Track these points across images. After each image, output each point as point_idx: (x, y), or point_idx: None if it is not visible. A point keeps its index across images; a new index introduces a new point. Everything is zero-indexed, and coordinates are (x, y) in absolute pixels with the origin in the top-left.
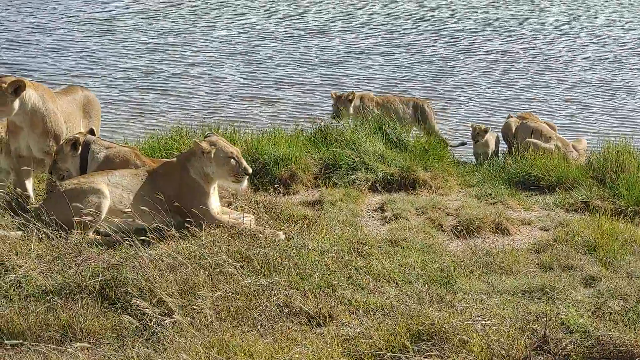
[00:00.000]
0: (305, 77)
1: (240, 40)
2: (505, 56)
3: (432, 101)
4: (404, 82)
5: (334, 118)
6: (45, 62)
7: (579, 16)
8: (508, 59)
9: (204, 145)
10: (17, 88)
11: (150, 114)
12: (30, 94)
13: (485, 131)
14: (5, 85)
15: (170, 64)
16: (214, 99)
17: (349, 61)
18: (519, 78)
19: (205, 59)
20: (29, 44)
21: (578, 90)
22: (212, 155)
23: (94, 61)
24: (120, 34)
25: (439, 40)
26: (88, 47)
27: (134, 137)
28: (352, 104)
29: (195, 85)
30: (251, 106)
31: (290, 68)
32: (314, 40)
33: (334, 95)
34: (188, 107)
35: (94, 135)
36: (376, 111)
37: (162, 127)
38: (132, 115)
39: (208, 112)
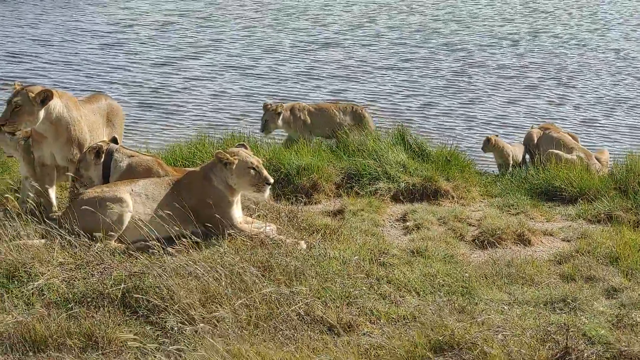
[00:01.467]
0: (315, 91)
1: (256, 53)
2: (519, 70)
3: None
4: (415, 97)
5: (262, 131)
6: (46, 76)
7: (595, 30)
8: (522, 73)
9: (226, 156)
10: (45, 98)
11: (170, 122)
12: (55, 103)
13: (488, 140)
14: (33, 95)
15: (182, 74)
16: (228, 109)
17: (357, 75)
18: (535, 91)
19: (216, 69)
20: (32, 56)
21: (595, 103)
22: (234, 166)
23: (98, 74)
24: (125, 46)
25: (451, 54)
26: (92, 60)
27: (157, 146)
28: (281, 117)
29: (210, 96)
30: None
31: (301, 81)
32: (323, 54)
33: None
34: (205, 118)
35: (117, 143)
36: (309, 121)
37: (183, 136)
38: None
39: (227, 122)
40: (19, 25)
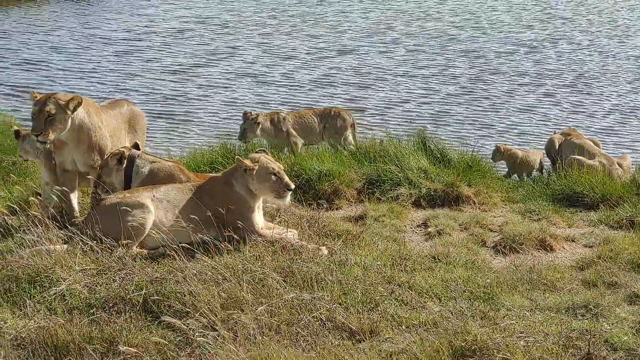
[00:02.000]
0: (331, 98)
1: (272, 60)
2: (537, 77)
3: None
4: (430, 104)
5: (240, 139)
6: (61, 83)
7: (615, 36)
8: (539, 79)
9: (247, 162)
10: (77, 105)
11: (185, 129)
12: (79, 109)
13: (497, 149)
14: (64, 102)
15: (198, 81)
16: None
17: (373, 81)
18: (552, 98)
19: (232, 76)
20: (46, 63)
21: (613, 110)
22: (254, 172)
23: (112, 81)
24: (140, 54)
25: (467, 60)
26: (106, 67)
27: (178, 151)
28: (260, 126)
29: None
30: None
31: (317, 87)
32: (339, 61)
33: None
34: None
35: (139, 149)
36: (292, 131)
37: (199, 143)
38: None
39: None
40: (35, 32)
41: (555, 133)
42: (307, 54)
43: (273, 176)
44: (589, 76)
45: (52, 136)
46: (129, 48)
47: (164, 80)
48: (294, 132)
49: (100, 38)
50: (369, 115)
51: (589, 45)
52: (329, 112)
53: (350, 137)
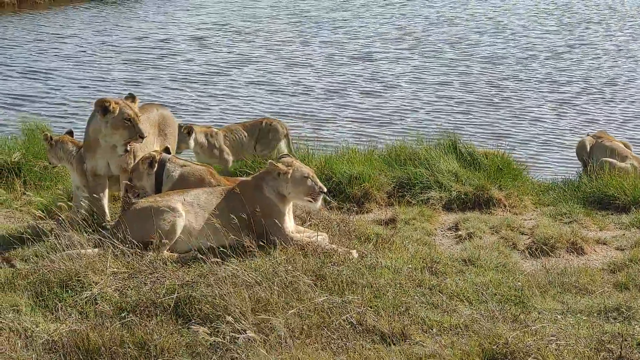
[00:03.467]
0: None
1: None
2: (561, 82)
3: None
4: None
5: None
6: (70, 91)
7: None
8: (564, 85)
9: (281, 166)
10: None
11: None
12: None
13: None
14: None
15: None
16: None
17: (392, 88)
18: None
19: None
20: (56, 71)
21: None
22: (289, 176)
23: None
24: (152, 61)
25: (489, 66)
26: (116, 76)
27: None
28: (192, 138)
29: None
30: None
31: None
32: (358, 67)
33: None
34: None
35: (169, 153)
36: (225, 149)
37: None
38: None
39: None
40: (49, 40)
41: (588, 135)
42: (324, 60)
43: (308, 180)
44: (613, 81)
45: None
46: (137, 56)
47: (186, 87)
48: (226, 149)
49: (112, 46)
50: (393, 121)
51: (615, 50)
52: (259, 125)
53: (284, 148)
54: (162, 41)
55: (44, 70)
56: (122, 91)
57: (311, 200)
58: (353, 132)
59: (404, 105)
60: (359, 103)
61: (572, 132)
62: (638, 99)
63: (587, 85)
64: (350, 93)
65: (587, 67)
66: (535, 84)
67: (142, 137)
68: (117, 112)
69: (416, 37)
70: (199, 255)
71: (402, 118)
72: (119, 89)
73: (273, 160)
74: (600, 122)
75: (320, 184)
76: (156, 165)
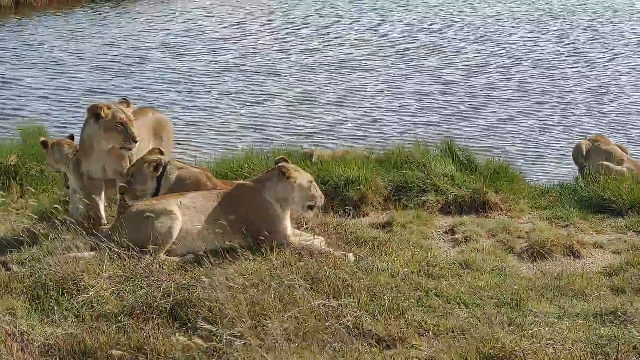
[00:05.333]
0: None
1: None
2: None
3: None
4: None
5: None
6: (75, 90)
7: None
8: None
9: (292, 171)
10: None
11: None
12: None
13: None
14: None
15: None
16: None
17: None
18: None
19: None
20: (68, 68)
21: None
22: (295, 182)
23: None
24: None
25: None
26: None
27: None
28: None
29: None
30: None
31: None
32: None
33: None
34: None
35: (162, 154)
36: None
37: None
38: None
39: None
40: (61, 39)
41: (584, 139)
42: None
43: (312, 187)
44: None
45: None
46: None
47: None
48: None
49: (117, 48)
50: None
51: (610, 54)
52: None
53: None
54: (157, 45)
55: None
56: (120, 94)
57: (308, 209)
58: (350, 136)
59: (399, 109)
60: (359, 105)
61: (569, 135)
62: (634, 102)
63: (584, 89)
64: (349, 97)
65: (582, 70)
66: (531, 87)
67: (134, 141)
68: (110, 116)
69: (414, 40)
70: (197, 258)
71: (398, 121)
72: (118, 92)
73: (283, 166)
74: (596, 126)
75: (321, 193)
76: (161, 168)
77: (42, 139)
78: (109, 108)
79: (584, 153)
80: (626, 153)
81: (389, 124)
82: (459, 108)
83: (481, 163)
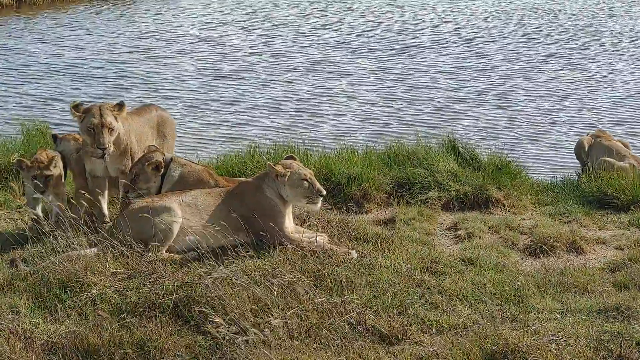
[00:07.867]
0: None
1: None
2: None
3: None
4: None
5: None
6: (83, 89)
7: None
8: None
9: (278, 168)
10: (123, 113)
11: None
12: None
13: None
14: (116, 112)
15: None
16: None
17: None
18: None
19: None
20: (74, 67)
21: None
22: (286, 178)
23: (135, 87)
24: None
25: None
26: (131, 72)
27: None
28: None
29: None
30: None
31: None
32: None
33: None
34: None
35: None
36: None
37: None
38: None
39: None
40: (69, 38)
41: (586, 135)
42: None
43: (305, 182)
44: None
45: (112, 149)
46: (145, 56)
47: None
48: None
49: (125, 43)
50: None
51: (612, 48)
52: None
53: None
54: (168, 40)
55: (45, 71)
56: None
57: (309, 202)
58: (352, 133)
59: (403, 106)
60: (360, 102)
61: (571, 131)
62: (636, 97)
63: (586, 84)
64: (352, 93)
65: (585, 66)
66: (534, 83)
67: (99, 147)
68: (83, 119)
69: (417, 36)
70: (200, 256)
71: (401, 118)
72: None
73: (271, 163)
74: (599, 122)
75: (318, 186)
76: (163, 167)
77: (53, 134)
78: (85, 111)
79: (586, 149)
80: (628, 149)
81: (390, 121)
82: (461, 104)
83: (484, 159)
